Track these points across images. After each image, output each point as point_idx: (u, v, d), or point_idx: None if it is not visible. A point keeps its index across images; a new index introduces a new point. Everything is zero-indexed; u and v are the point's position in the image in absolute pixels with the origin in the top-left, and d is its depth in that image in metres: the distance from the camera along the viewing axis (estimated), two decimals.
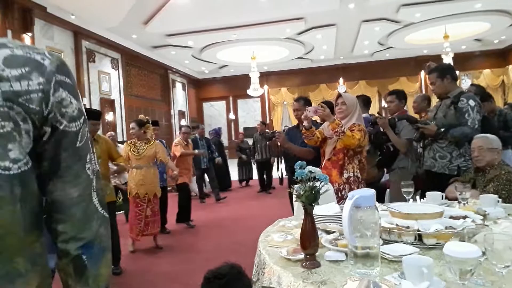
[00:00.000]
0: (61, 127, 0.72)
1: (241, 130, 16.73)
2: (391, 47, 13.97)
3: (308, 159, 3.21)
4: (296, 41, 12.63)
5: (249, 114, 17.85)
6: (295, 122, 9.91)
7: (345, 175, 2.83)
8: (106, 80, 11.35)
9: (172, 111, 15.55)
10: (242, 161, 10.10)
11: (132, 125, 4.62)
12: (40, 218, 0.73)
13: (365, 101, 4.21)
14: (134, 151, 4.47)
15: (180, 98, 16.57)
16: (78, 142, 0.75)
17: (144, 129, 4.55)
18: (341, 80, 16.74)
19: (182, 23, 10.45)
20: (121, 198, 6.10)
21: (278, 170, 9.56)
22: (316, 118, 3.29)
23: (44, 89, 0.69)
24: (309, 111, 2.77)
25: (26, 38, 8.31)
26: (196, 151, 5.46)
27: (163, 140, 5.60)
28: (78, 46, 10.17)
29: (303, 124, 2.88)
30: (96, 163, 0.81)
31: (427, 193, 2.29)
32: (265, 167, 8.92)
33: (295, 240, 1.66)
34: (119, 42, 11.51)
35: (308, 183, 1.38)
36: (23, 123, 0.66)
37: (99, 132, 4.26)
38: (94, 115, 3.53)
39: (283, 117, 17.41)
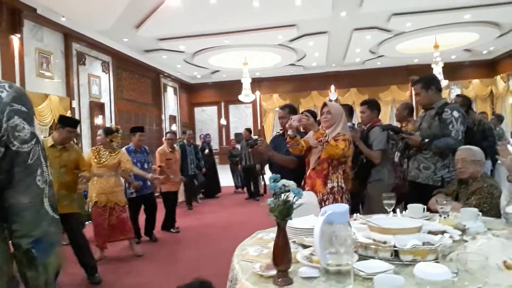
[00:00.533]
0: (14, 148, 0.91)
1: (232, 135, 16.69)
2: (383, 56, 14.08)
3: (291, 168, 3.19)
4: (288, 47, 12.66)
5: (240, 120, 17.83)
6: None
7: (329, 185, 2.79)
8: (96, 83, 11.25)
9: (163, 116, 15.46)
10: (234, 168, 10.08)
11: (99, 132, 4.57)
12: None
13: (349, 110, 4.18)
14: (96, 159, 4.38)
15: (171, 102, 16.49)
16: (29, 160, 0.94)
17: (111, 137, 4.48)
18: (332, 87, 16.81)
19: (174, 27, 10.42)
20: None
21: (263, 178, 9.54)
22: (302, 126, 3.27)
23: (1, 117, 0.88)
24: (294, 120, 2.74)
25: (15, 39, 8.22)
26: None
27: (146, 147, 5.49)
28: (68, 48, 10.07)
29: (288, 132, 2.85)
30: (49, 174, 0.99)
31: (409, 206, 2.27)
32: (251, 174, 8.91)
33: (270, 254, 1.62)
34: (110, 45, 11.44)
35: (282, 197, 1.34)
36: None
37: (87, 137, 4.21)
38: (70, 123, 3.48)
39: (274, 123, 17.40)
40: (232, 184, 10.16)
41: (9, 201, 0.92)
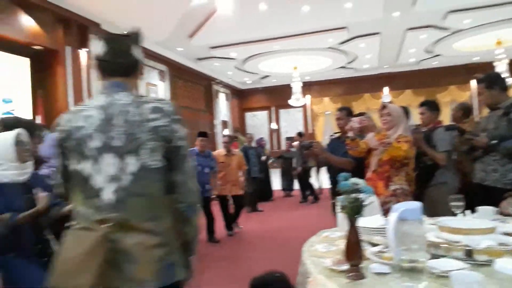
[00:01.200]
0: (176, 144, 1.40)
1: (283, 140, 16.77)
2: (439, 55, 13.47)
3: (348, 170, 3.17)
4: (339, 50, 12.53)
5: (291, 124, 17.85)
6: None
7: (392, 187, 2.75)
8: (154, 92, 11.87)
9: (215, 121, 15.91)
10: (284, 171, 10.14)
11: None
12: (168, 189, 1.39)
13: (404, 112, 4.06)
14: None
15: (223, 108, 16.93)
16: (184, 151, 1.43)
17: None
18: (385, 89, 16.32)
19: (225, 35, 10.73)
20: None
21: (318, 181, 9.49)
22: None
23: (168, 125, 1.38)
24: (354, 122, 2.76)
25: (82, 53, 8.92)
26: None
27: (211, 152, 5.72)
28: None
29: (347, 134, 2.86)
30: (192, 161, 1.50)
31: (478, 208, 2.20)
32: (304, 177, 8.91)
33: (339, 251, 1.66)
34: (166, 55, 12.01)
35: (352, 194, 1.39)
36: (161, 142, 1.36)
37: None
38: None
39: (325, 127, 17.24)
40: (280, 187, 10.22)
41: (173, 178, 1.39)
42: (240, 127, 18.45)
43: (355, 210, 1.38)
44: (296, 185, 9.60)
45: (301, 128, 16.55)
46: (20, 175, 2.04)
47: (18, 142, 2.08)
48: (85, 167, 1.33)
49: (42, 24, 7.96)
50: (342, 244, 1.77)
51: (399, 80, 15.88)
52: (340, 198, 1.42)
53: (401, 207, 1.28)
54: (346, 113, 3.51)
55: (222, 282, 3.77)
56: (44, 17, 8.01)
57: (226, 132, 16.08)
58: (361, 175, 3.01)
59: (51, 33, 8.19)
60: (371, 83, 16.17)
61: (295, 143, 9.96)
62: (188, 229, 1.45)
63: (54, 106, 8.48)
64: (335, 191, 3.23)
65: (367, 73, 15.87)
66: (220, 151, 6.10)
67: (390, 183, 2.76)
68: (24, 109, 8.29)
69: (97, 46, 1.48)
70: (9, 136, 2.09)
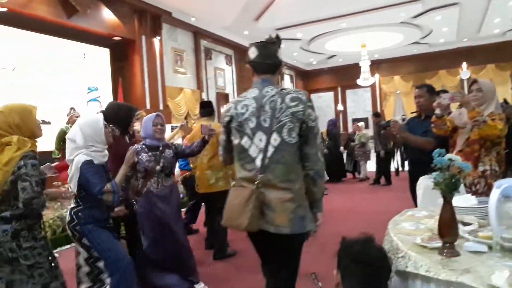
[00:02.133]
0: (309, 124, 1.77)
1: (349, 121, 16.36)
2: None
3: (428, 150, 2.99)
4: (412, 25, 11.78)
5: (358, 105, 17.30)
6: (408, 111, 9.20)
7: (481, 168, 2.58)
8: (221, 76, 12.19)
9: None
10: (350, 152, 9.94)
11: None
12: (300, 159, 1.79)
13: (431, 90, 3.62)
14: None
15: None
16: (315, 130, 1.80)
17: None
18: (464, 65, 15.07)
19: (291, 16, 10.61)
20: None
21: (394, 162, 9.17)
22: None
23: (303, 110, 1.75)
24: (444, 98, 2.56)
25: (156, 41, 9.41)
26: None
27: None
28: (197, 45, 11.12)
29: (435, 112, 2.69)
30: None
31: None
32: (385, 160, 8.64)
33: (427, 229, 1.63)
34: (233, 39, 12.21)
35: (448, 171, 1.35)
36: (297, 123, 1.74)
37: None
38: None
39: (395, 106, 16.44)
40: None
41: (305, 151, 1.78)
42: None
43: (450, 186, 1.34)
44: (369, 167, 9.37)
45: (369, 109, 15.99)
46: (103, 156, 2.27)
47: (105, 125, 2.29)
48: (244, 142, 1.81)
49: (120, 16, 8.51)
50: (430, 223, 1.73)
51: (479, 55, 14.53)
52: (434, 174, 1.38)
53: (504, 184, 1.21)
54: (427, 90, 3.29)
55: None
56: (122, 9, 8.55)
57: None
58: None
59: (128, 24, 8.74)
60: (447, 58, 15.01)
61: (360, 124, 9.70)
62: (315, 190, 1.83)
63: (132, 92, 9.10)
64: (413, 173, 3.12)
65: (443, 48, 14.74)
66: None
67: (479, 164, 2.59)
68: (105, 96, 9.03)
69: (251, 51, 1.93)
70: (99, 119, 2.30)
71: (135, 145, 2.82)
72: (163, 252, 2.80)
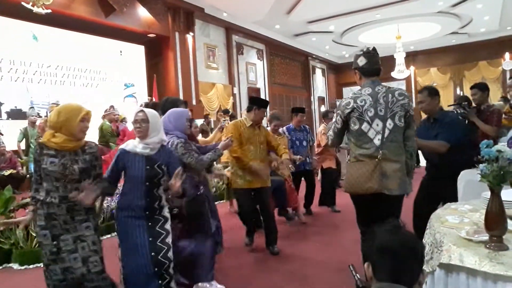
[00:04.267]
0: (411, 113, 2.40)
1: None
2: None
3: (441, 152, 2.86)
4: (450, 14, 11.32)
5: None
6: (445, 104, 8.82)
7: None
8: (253, 70, 12.23)
9: (312, 97, 15.82)
10: None
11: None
12: (403, 138, 2.42)
13: (432, 93, 3.37)
14: None
15: (319, 84, 16.70)
16: (412, 117, 2.42)
17: None
18: (507, 55, 14.29)
19: (323, 8, 10.46)
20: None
21: None
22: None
23: (408, 103, 2.39)
24: None
25: (189, 37, 9.57)
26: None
27: (307, 126, 5.74)
28: (229, 40, 11.20)
29: (510, 102, 2.53)
30: None
31: None
32: None
33: (472, 223, 1.59)
34: (264, 34, 12.21)
35: (496, 163, 1.31)
36: (404, 112, 2.35)
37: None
38: (264, 104, 3.92)
39: None
40: None
41: (407, 133, 2.39)
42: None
43: (499, 178, 1.30)
44: None
45: None
46: (144, 148, 2.33)
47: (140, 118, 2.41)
48: (364, 126, 2.37)
49: (155, 13, 8.71)
50: (474, 216, 1.69)
51: None
52: (481, 166, 1.34)
53: None
54: (428, 93, 3.05)
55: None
56: (156, 7, 8.75)
57: (323, 108, 15.89)
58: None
59: (162, 21, 8.94)
60: (488, 49, 14.31)
61: None
62: (411, 163, 2.44)
63: (167, 88, 9.32)
64: (432, 169, 3.01)
65: (484, 37, 14.06)
66: (323, 126, 6.04)
67: None
68: (141, 92, 9.31)
69: (359, 60, 2.50)
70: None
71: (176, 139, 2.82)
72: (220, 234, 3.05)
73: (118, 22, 7.96)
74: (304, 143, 5.47)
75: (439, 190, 2.81)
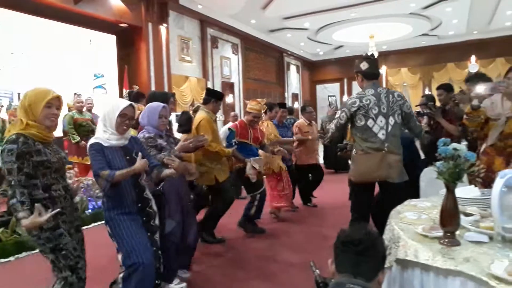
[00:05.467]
0: (406, 111, 2.81)
1: None
2: None
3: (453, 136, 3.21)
4: (421, 16, 11.62)
5: None
6: (414, 104, 9.05)
7: None
8: (227, 65, 12.13)
9: (286, 94, 15.89)
10: None
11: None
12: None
13: (449, 88, 3.63)
14: None
15: (294, 80, 16.80)
16: (411, 112, 2.89)
17: None
18: (473, 58, 14.85)
19: (299, 5, 10.49)
20: None
21: None
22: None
23: (404, 103, 2.82)
24: (485, 88, 2.41)
25: (162, 28, 9.37)
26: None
27: (288, 122, 5.76)
28: (204, 33, 11.05)
29: (472, 103, 2.56)
30: None
31: None
32: None
33: (430, 219, 1.63)
34: (239, 28, 12.12)
35: (452, 161, 1.34)
36: (400, 111, 2.79)
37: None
38: (220, 96, 3.90)
39: None
40: None
41: (410, 125, 2.86)
42: (311, 99, 18.21)
43: (454, 176, 1.33)
44: None
45: None
46: (118, 140, 2.23)
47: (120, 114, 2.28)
48: (369, 123, 2.71)
49: (127, 2, 8.46)
50: (432, 213, 1.73)
51: (489, 48, 14.28)
52: (438, 163, 1.37)
53: (508, 174, 1.21)
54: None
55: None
56: None
57: (297, 105, 16.01)
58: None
59: (134, 11, 8.70)
60: (456, 51, 14.80)
61: None
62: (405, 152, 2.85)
63: (138, 80, 9.09)
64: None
65: (452, 40, 14.53)
66: (302, 121, 6.01)
67: (511, 160, 2.45)
68: (111, 83, 9.06)
69: (362, 64, 2.87)
70: (119, 106, 2.30)
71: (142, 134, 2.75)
72: (182, 236, 2.82)
73: (88, 9, 7.69)
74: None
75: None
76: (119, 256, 2.15)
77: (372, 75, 2.82)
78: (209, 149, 3.55)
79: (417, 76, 15.96)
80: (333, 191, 6.50)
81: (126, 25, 8.77)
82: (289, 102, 15.82)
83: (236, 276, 3.11)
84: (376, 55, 12.68)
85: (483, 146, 2.64)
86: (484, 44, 14.33)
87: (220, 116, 8.41)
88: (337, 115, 2.89)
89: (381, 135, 2.68)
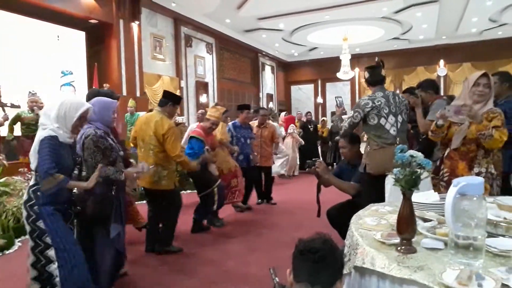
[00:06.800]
0: (406, 111, 3.27)
1: (328, 114, 16.47)
2: (506, 24, 12.35)
3: (351, 195, 3.32)
4: (393, 20, 11.89)
5: None
6: None
7: (476, 170, 2.49)
8: (202, 64, 12.01)
9: (260, 94, 15.90)
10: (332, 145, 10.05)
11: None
12: None
13: (354, 139, 3.62)
14: None
15: (268, 81, 16.83)
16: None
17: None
18: (441, 62, 15.35)
19: (274, 5, 10.51)
20: None
21: None
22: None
23: (407, 103, 3.30)
24: (449, 110, 2.39)
25: (134, 26, 9.16)
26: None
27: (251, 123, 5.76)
28: (178, 32, 10.89)
29: (437, 122, 2.56)
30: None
31: None
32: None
33: (389, 225, 1.64)
34: (214, 27, 12.02)
35: (408, 168, 1.35)
36: (406, 109, 3.23)
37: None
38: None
39: None
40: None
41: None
42: (285, 100, 18.30)
43: (410, 183, 1.34)
44: None
45: (348, 102, 16.11)
46: (70, 138, 2.19)
47: (80, 117, 2.20)
48: (381, 121, 3.05)
49: None
50: (392, 218, 1.74)
51: (456, 53, 14.81)
52: (395, 170, 1.38)
53: (462, 181, 1.22)
54: (349, 140, 3.46)
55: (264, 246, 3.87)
56: None
57: (271, 105, 16.06)
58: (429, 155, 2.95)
59: (105, 7, 8.46)
60: (426, 55, 15.25)
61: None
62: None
63: (109, 78, 8.84)
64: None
65: (422, 44, 14.96)
66: (253, 123, 6.04)
67: (474, 165, 2.51)
68: (80, 81, 8.77)
69: (366, 74, 3.28)
70: (81, 106, 2.19)
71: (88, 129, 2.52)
72: (121, 241, 2.67)
73: (56, 4, 7.43)
74: (248, 140, 5.50)
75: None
76: (51, 252, 2.06)
77: (375, 82, 3.17)
78: (176, 159, 3.49)
79: (388, 79, 16.29)
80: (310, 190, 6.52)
81: (96, 21, 8.53)
82: (263, 103, 15.84)
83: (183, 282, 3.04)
84: (349, 57, 12.90)
85: (447, 151, 2.68)
86: (451, 49, 14.84)
87: (182, 119, 8.35)
88: (349, 115, 3.24)
89: (393, 131, 3.03)
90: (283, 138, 8.68)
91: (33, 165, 2.09)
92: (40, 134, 2.07)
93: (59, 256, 2.05)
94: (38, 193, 2.07)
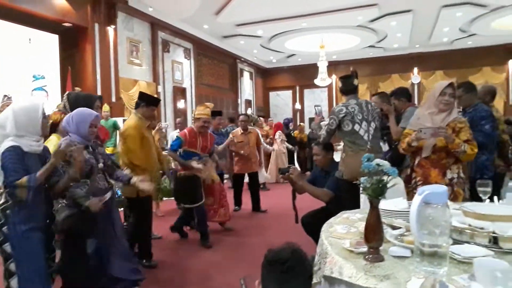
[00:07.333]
0: (378, 119, 3.53)
1: (306, 120, 16.61)
2: (475, 34, 12.82)
3: (324, 201, 3.39)
4: (368, 28, 12.14)
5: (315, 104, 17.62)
6: None
7: (449, 176, 2.56)
8: (179, 69, 11.92)
9: (239, 100, 15.89)
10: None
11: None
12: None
13: (328, 147, 3.71)
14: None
15: (247, 87, 16.85)
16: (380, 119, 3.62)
17: None
18: (415, 70, 15.77)
19: (252, 12, 10.55)
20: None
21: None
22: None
23: (378, 112, 3.47)
24: (425, 133, 2.44)
25: (110, 30, 9.01)
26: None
27: (225, 129, 5.78)
28: (155, 37, 10.78)
29: (412, 144, 2.61)
30: None
31: (508, 194, 2.11)
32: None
33: (358, 233, 1.64)
34: (192, 33, 11.97)
35: (376, 176, 1.36)
36: (377, 118, 3.41)
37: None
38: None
39: None
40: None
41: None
42: (264, 106, 18.36)
43: (377, 191, 1.35)
44: None
45: (326, 109, 16.31)
46: (38, 146, 2.10)
47: (44, 115, 2.12)
48: (355, 127, 3.17)
49: (72, 1, 8.06)
50: (362, 226, 1.75)
51: (430, 61, 15.26)
52: (362, 179, 1.39)
53: (426, 190, 1.24)
54: (323, 147, 3.55)
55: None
56: None
57: (250, 111, 16.08)
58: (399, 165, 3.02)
59: (79, 10, 8.29)
60: (400, 63, 15.64)
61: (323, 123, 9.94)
62: None
63: (83, 82, 8.64)
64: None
65: (397, 52, 15.34)
66: (237, 130, 6.03)
67: (446, 171, 2.57)
68: (53, 86, 8.53)
69: (339, 84, 3.46)
70: (38, 106, 2.10)
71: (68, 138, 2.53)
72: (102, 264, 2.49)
73: (27, 6, 7.22)
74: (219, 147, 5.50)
75: None
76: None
77: (348, 91, 3.33)
78: (133, 161, 3.32)
79: (364, 86, 16.60)
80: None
81: (70, 24, 8.33)
82: (242, 109, 15.84)
83: None
84: (326, 64, 13.07)
85: (417, 159, 2.74)
86: (425, 57, 15.28)
87: (165, 124, 8.27)
88: (325, 122, 3.38)
89: (366, 137, 3.16)
90: (271, 144, 8.77)
91: (0, 182, 1.95)
92: (2, 146, 1.96)
93: (21, 282, 1.95)
94: (7, 212, 1.94)
